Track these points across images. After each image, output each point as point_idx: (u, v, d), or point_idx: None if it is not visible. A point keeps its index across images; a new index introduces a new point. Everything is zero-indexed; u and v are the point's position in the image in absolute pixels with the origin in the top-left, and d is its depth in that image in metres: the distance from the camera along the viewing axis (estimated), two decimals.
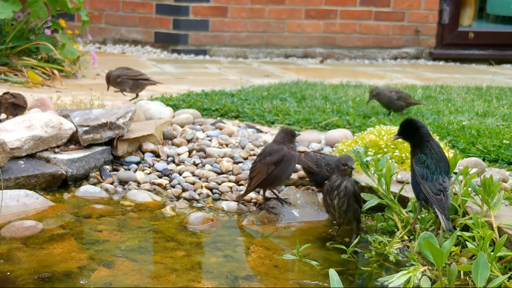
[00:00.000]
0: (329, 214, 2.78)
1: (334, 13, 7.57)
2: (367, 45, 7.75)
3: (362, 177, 3.01)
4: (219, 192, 3.13)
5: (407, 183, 2.96)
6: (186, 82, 5.63)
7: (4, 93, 3.57)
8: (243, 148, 3.54)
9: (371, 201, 2.78)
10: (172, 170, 3.30)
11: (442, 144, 3.38)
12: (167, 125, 3.80)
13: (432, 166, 2.56)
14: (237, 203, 3.02)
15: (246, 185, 3.00)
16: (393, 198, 2.79)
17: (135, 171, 3.28)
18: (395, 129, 3.32)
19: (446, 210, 2.48)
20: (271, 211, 2.90)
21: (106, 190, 3.13)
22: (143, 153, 3.45)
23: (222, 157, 3.42)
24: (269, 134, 3.76)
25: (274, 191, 3.01)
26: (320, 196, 3.03)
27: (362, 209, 2.75)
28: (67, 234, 2.63)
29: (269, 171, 2.85)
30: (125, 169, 3.30)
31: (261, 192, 2.98)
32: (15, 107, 3.53)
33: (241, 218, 2.89)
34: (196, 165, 3.38)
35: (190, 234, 2.70)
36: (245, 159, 3.41)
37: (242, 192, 3.01)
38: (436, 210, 2.49)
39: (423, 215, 2.74)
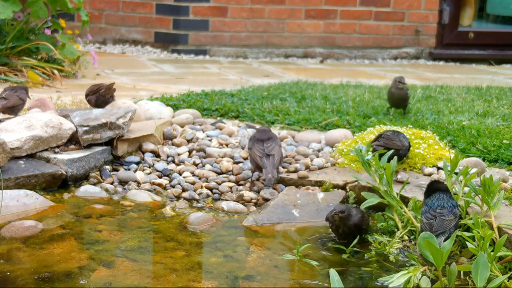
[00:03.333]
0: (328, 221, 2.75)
1: (334, 13, 7.57)
2: (367, 45, 7.75)
3: (363, 176, 3.02)
4: (219, 192, 3.13)
5: (407, 183, 2.99)
6: (186, 82, 5.63)
7: None
8: (243, 148, 3.54)
9: (371, 200, 2.77)
10: (172, 170, 3.30)
11: (442, 144, 3.39)
12: (167, 125, 3.80)
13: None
14: (237, 202, 3.02)
15: (266, 161, 3.06)
16: (395, 195, 2.78)
17: (135, 171, 3.28)
18: (395, 129, 3.33)
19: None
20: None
21: (106, 190, 3.13)
22: (143, 153, 3.45)
23: (222, 157, 3.42)
24: None
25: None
26: (319, 195, 3.03)
27: (361, 208, 2.74)
28: (67, 234, 2.63)
29: (280, 150, 3.17)
30: (125, 169, 3.30)
31: (274, 173, 3.11)
32: (12, 108, 3.51)
33: (241, 218, 2.89)
34: (196, 165, 3.38)
35: (190, 234, 2.70)
36: (245, 159, 3.40)
37: (267, 169, 3.05)
38: None
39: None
